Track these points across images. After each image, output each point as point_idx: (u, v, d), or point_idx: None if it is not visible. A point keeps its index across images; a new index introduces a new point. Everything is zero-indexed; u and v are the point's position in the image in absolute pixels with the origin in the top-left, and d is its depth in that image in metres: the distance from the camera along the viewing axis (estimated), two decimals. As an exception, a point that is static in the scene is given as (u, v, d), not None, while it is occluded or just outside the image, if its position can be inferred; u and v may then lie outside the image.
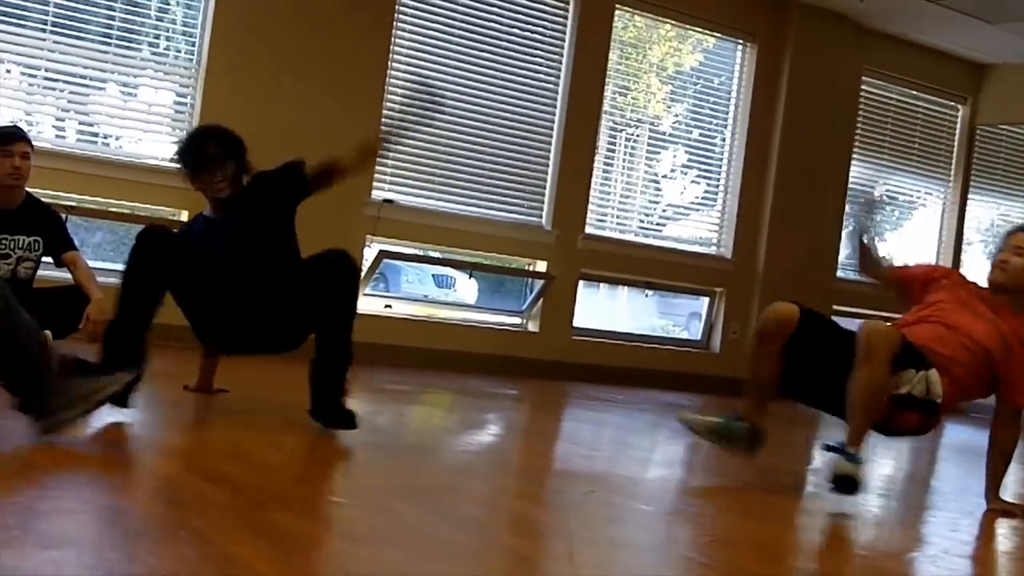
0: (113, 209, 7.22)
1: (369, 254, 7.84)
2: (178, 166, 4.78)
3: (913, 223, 10.86)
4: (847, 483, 4.02)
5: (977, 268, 11.09)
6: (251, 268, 4.57)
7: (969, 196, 10.77)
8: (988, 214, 11.24)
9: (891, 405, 4.21)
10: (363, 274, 7.49)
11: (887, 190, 10.50)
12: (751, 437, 4.52)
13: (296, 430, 4.39)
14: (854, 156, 9.99)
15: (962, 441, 8.11)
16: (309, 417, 4.38)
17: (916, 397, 4.21)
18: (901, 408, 4.23)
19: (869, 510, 4.48)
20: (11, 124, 6.07)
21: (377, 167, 7.79)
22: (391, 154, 7.84)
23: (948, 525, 4.30)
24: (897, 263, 4.88)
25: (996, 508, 4.42)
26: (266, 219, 4.71)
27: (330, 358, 4.43)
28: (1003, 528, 4.35)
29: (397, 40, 7.89)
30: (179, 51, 7.36)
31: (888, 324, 4.28)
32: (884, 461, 6.58)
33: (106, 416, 3.84)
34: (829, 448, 4.15)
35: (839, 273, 9.77)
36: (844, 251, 9.85)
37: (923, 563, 3.57)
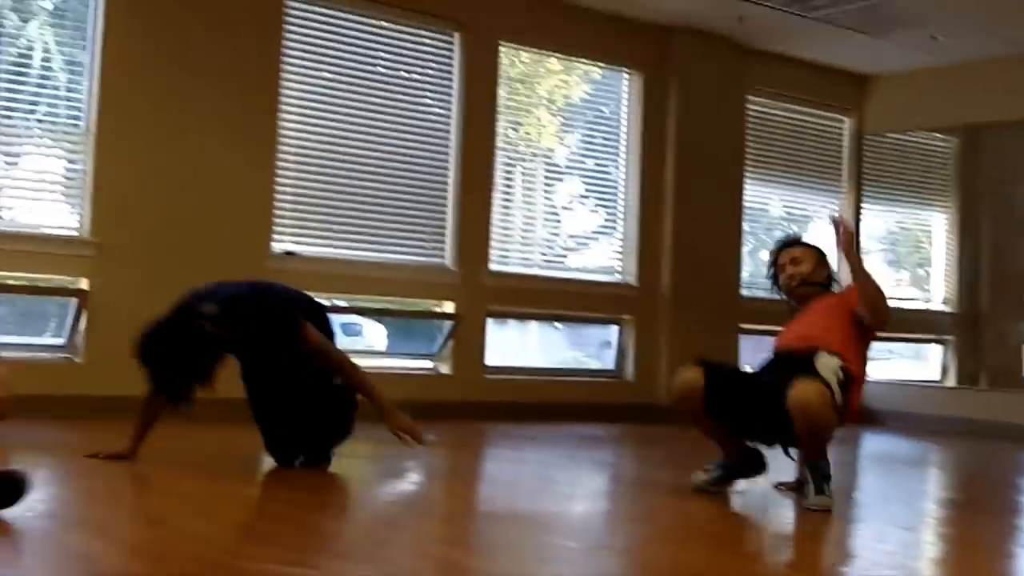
0: (11, 282, 7.07)
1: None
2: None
3: (810, 237, 10.98)
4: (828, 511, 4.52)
5: (878, 276, 11.29)
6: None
7: (863, 206, 10.95)
8: (884, 222, 11.45)
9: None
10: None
11: (783, 206, 10.66)
12: (747, 465, 4.96)
13: (216, 493, 4.32)
14: (747, 175, 10.10)
15: (882, 451, 8.24)
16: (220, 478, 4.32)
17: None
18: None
19: (796, 526, 4.53)
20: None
21: (275, 218, 7.74)
22: (287, 205, 7.83)
23: (875, 537, 4.35)
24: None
25: None
26: None
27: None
28: (929, 536, 4.43)
29: (285, 87, 7.84)
30: (65, 117, 7.24)
31: (810, 383, 4.58)
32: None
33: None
34: (790, 487, 4.94)
35: (744, 292, 9.88)
36: (746, 270, 9.97)
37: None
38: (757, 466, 4.96)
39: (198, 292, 5.11)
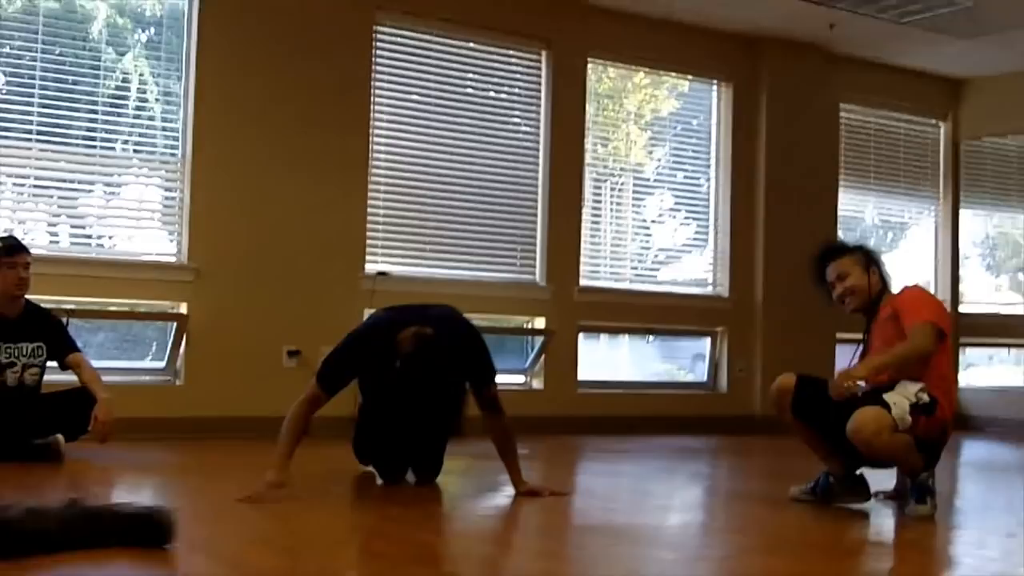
0: (112, 308, 7.25)
1: (369, 327, 7.84)
2: None
3: (908, 243, 10.88)
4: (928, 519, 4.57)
5: (977, 281, 11.14)
6: None
7: (961, 210, 10.80)
8: (982, 227, 11.28)
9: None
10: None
11: (878, 214, 10.54)
12: (849, 491, 4.92)
13: (309, 511, 4.38)
14: (841, 183, 10.02)
15: (982, 457, 8.10)
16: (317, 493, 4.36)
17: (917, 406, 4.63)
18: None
19: (896, 535, 4.48)
20: (9, 235, 6.11)
21: (368, 238, 7.83)
22: (380, 225, 7.91)
23: (975, 544, 4.29)
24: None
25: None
26: None
27: None
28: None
29: (376, 112, 7.95)
30: (162, 147, 7.40)
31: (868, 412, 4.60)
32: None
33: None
34: (890, 496, 4.96)
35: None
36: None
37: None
38: (860, 492, 4.94)
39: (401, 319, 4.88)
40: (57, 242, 7.22)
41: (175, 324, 7.22)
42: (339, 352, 4.83)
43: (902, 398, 4.62)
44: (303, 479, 4.54)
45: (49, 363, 5.80)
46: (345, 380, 4.88)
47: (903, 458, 4.68)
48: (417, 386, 4.58)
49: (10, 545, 3.18)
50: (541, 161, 8.60)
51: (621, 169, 9.29)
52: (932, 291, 8.31)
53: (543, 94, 8.64)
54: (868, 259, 5.11)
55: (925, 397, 4.64)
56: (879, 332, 4.98)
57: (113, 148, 7.29)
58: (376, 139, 7.96)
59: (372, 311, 7.34)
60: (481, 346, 4.96)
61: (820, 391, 4.78)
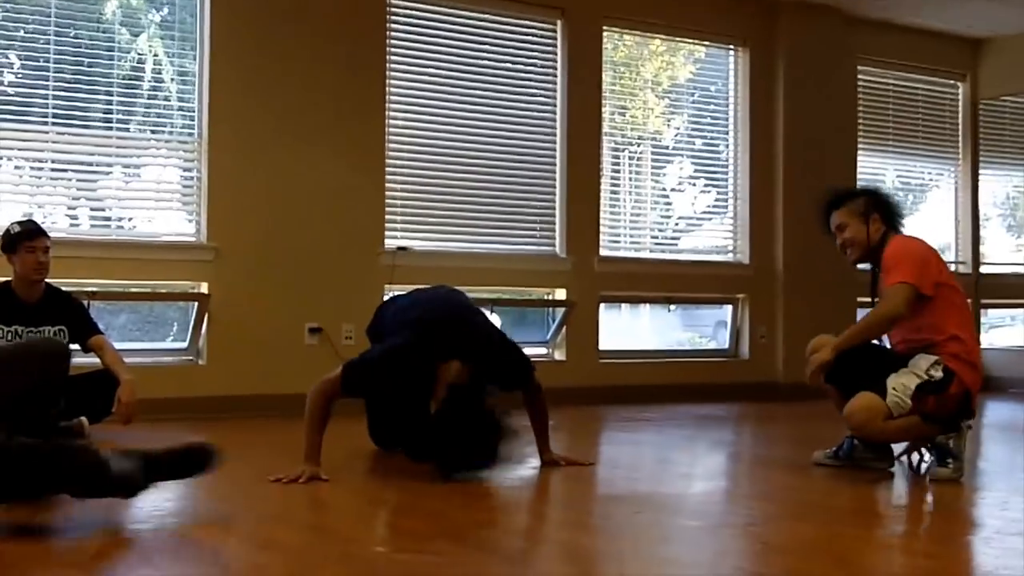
0: (133, 290, 7.27)
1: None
2: None
3: (928, 205, 10.83)
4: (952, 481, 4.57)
5: (998, 242, 11.08)
6: None
7: (980, 171, 10.74)
8: (1002, 187, 11.21)
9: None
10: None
11: (897, 175, 10.49)
12: (872, 452, 4.88)
13: (336, 484, 4.40)
14: (860, 146, 9.98)
15: (1005, 419, 8.08)
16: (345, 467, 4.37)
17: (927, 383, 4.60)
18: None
19: (919, 497, 4.48)
20: (28, 219, 6.13)
21: (387, 214, 7.83)
22: (399, 201, 7.91)
23: (998, 505, 4.27)
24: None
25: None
26: None
27: None
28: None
29: (392, 88, 7.93)
30: (179, 127, 7.42)
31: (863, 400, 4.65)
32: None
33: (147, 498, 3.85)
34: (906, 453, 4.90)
35: (860, 265, 9.72)
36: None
37: (978, 546, 3.56)
38: (884, 457, 4.91)
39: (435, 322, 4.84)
40: (77, 225, 7.25)
41: (196, 304, 7.24)
42: (373, 364, 4.69)
43: (911, 377, 4.58)
44: (324, 457, 4.55)
45: (72, 346, 5.81)
46: (368, 392, 4.94)
47: (903, 439, 4.68)
48: (456, 427, 4.53)
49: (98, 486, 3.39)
50: (559, 132, 8.57)
51: (639, 138, 9.26)
52: (941, 247, 8.13)
53: (559, 64, 8.61)
54: (869, 206, 4.95)
55: (938, 373, 4.60)
56: (882, 286, 4.90)
57: (129, 129, 7.30)
58: (392, 115, 7.94)
59: (392, 289, 7.42)
60: (511, 350, 4.97)
61: (852, 356, 4.73)
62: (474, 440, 4.53)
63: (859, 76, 10.01)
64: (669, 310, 9.66)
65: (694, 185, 9.58)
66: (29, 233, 5.69)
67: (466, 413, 4.53)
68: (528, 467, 4.99)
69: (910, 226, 9.61)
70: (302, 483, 4.38)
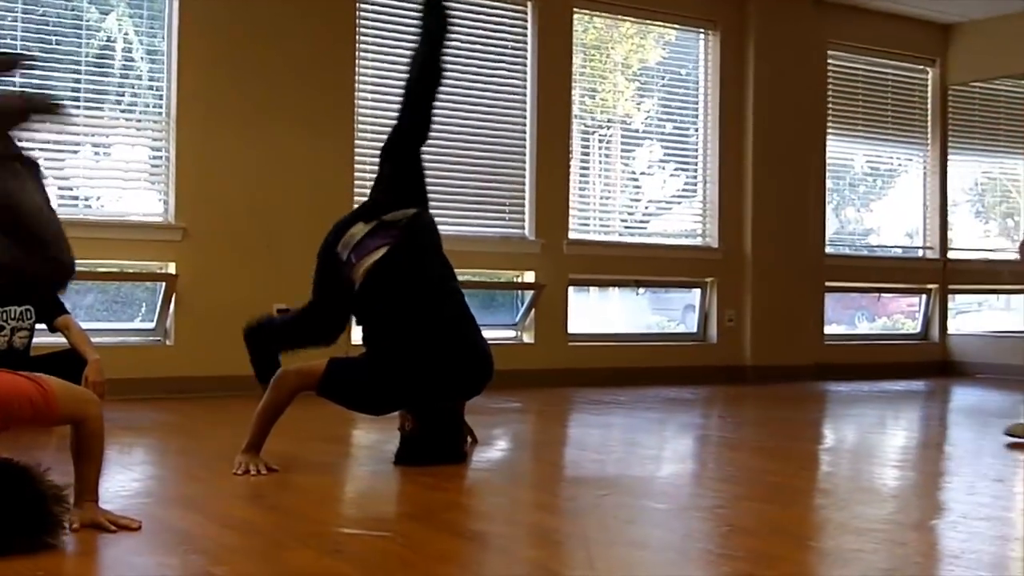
0: (101, 269, 7.23)
1: (359, 284, 7.83)
2: None
3: (896, 190, 10.88)
4: None
5: (966, 228, 11.15)
6: None
7: (949, 157, 10.78)
8: (971, 173, 11.27)
9: None
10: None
11: (867, 161, 10.54)
12: None
13: (302, 467, 4.40)
14: (829, 130, 10.01)
15: (971, 403, 8.14)
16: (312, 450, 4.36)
17: None
18: None
19: (885, 483, 4.51)
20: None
21: (355, 196, 7.80)
22: (368, 183, 7.87)
23: (965, 489, 4.31)
24: None
25: None
26: None
27: None
28: (1021, 488, 4.37)
29: (361, 68, 7.91)
30: (148, 106, 7.37)
31: None
32: (895, 431, 6.61)
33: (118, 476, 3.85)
34: None
35: (828, 249, 9.80)
36: (830, 227, 9.90)
37: (944, 530, 3.58)
38: None
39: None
40: (44, 204, 7.17)
41: (164, 284, 7.21)
42: (359, 383, 4.51)
43: None
44: (292, 441, 4.54)
45: (38, 326, 5.78)
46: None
47: None
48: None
49: None
50: (528, 114, 8.56)
51: (609, 121, 9.26)
52: (909, 232, 8.19)
53: (529, 46, 8.59)
54: None
55: None
56: None
57: (100, 108, 7.24)
58: (361, 93, 7.92)
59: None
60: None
61: None
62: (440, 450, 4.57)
63: (829, 61, 10.03)
64: (638, 293, 9.68)
65: (663, 168, 9.59)
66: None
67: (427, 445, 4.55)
68: (496, 450, 4.99)
69: (876, 211, 9.67)
70: (263, 475, 4.23)
